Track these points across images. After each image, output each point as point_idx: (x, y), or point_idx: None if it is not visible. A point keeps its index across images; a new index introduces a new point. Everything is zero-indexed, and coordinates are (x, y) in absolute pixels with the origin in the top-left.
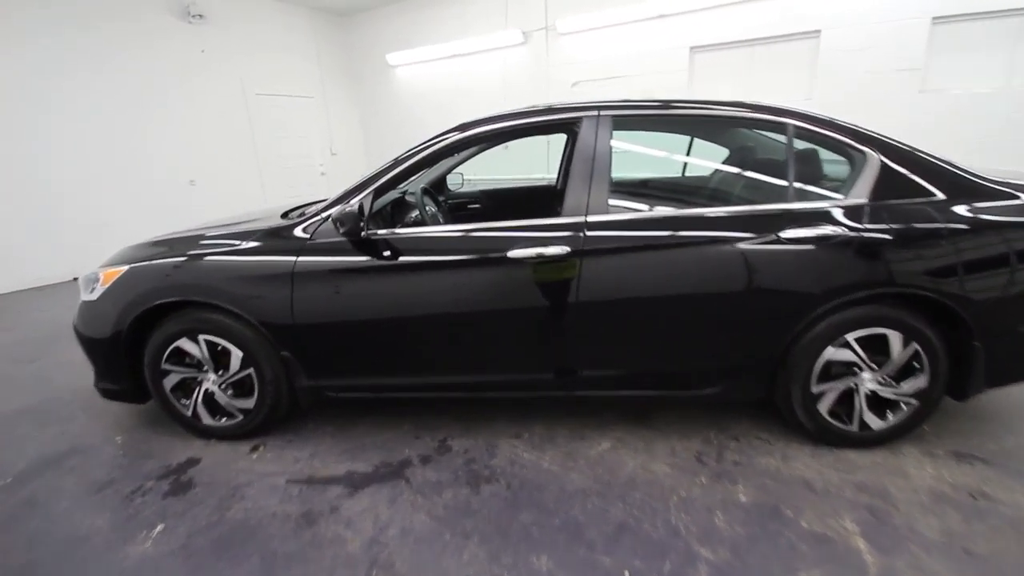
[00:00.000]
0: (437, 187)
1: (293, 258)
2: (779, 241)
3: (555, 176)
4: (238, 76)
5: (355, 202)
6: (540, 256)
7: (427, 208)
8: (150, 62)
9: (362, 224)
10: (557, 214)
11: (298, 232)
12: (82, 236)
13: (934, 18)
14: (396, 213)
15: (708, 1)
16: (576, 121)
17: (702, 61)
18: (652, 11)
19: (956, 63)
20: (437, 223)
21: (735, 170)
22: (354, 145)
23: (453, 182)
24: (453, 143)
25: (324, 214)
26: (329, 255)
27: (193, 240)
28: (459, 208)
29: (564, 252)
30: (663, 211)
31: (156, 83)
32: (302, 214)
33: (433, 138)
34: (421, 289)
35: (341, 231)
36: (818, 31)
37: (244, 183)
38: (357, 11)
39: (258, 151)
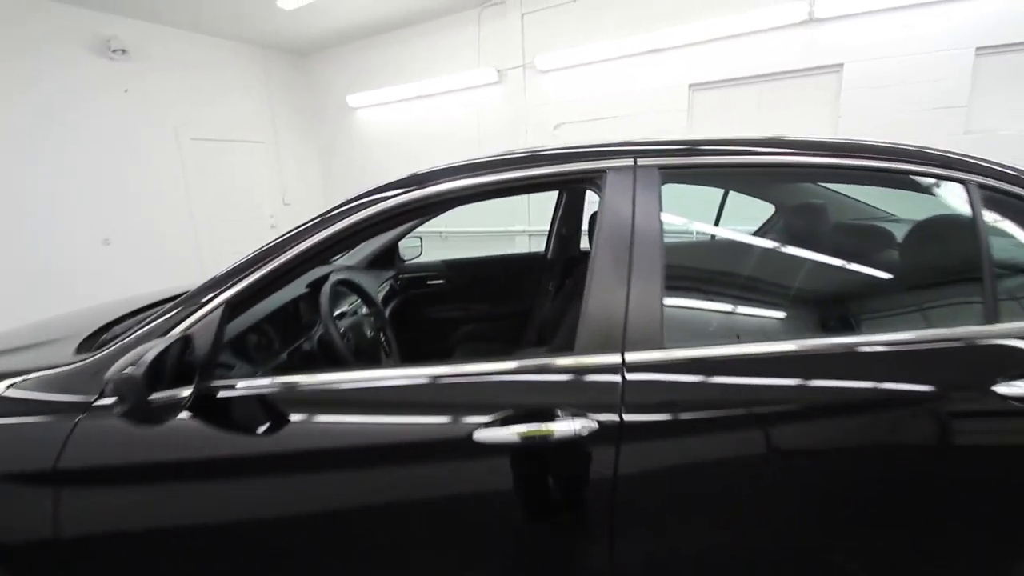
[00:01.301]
0: (384, 258)
1: (64, 429)
2: (996, 405)
3: (545, 236)
4: (169, 118)
5: (172, 337)
6: (535, 437)
7: (338, 321)
8: (59, 103)
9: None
10: (560, 338)
11: (78, 381)
12: None
13: (978, 48)
14: (310, 311)
15: (709, 33)
16: (595, 176)
17: (703, 100)
18: (645, 45)
19: (1008, 99)
20: (364, 341)
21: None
22: (311, 194)
23: (409, 246)
24: (394, 209)
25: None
26: (134, 426)
27: None
28: (414, 285)
29: (586, 430)
30: (771, 340)
31: (65, 127)
32: (137, 329)
33: (359, 200)
34: (307, 497)
35: (118, 410)
36: (840, 65)
37: (174, 240)
38: (313, 50)
39: (192, 203)
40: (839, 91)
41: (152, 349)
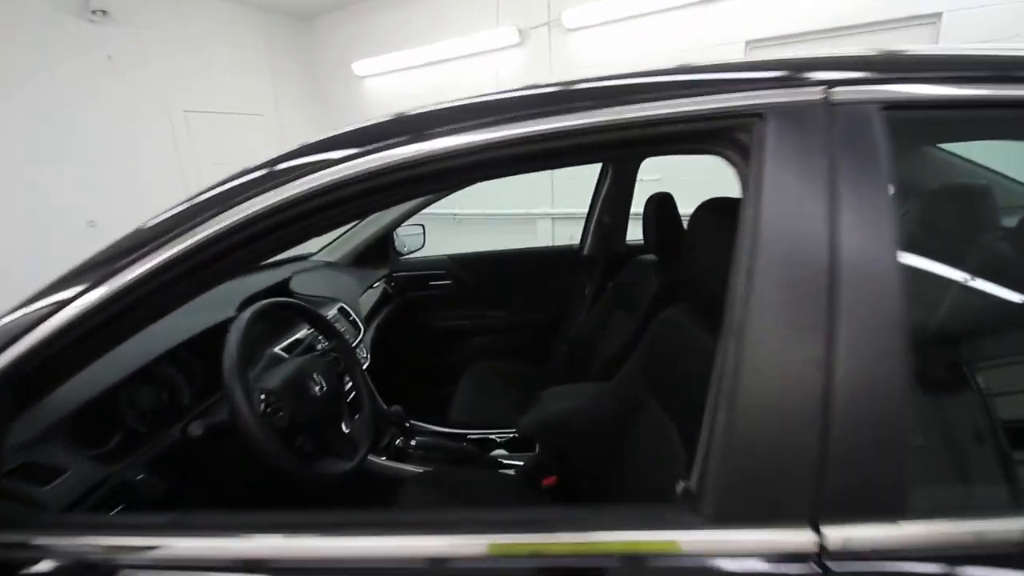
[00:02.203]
0: (375, 252)
1: None
2: None
3: (570, 220)
4: (160, 89)
5: None
6: None
7: (276, 367)
8: (32, 72)
9: None
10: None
11: None
12: None
13: None
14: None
15: None
16: (732, 126)
17: None
18: None
19: None
20: (307, 406)
21: None
22: None
23: (408, 234)
24: (357, 182)
25: None
26: None
27: None
28: (413, 287)
29: None
30: None
31: (43, 98)
32: None
33: (281, 163)
34: None
35: None
36: (937, 15)
37: None
38: (317, 13)
39: (187, 181)
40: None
41: None
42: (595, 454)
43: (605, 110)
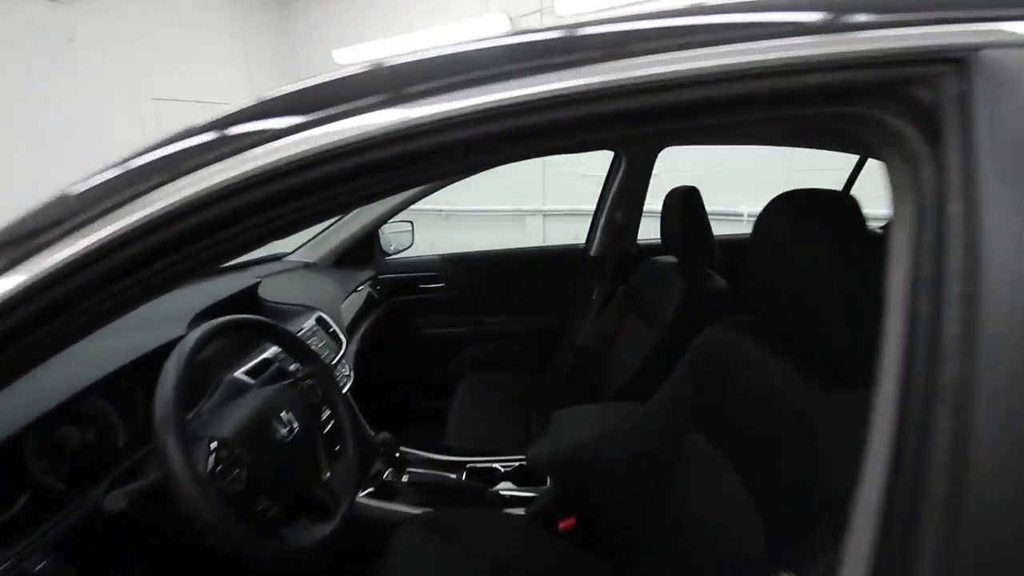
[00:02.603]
0: (359, 252)
1: None
2: None
3: (561, 218)
4: (127, 75)
5: None
6: None
7: (239, 398)
8: None
9: None
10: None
11: None
12: None
13: None
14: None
15: None
16: (911, 75)
17: None
18: None
19: None
20: (269, 452)
21: None
22: None
23: (395, 232)
24: (312, 162)
25: None
26: None
27: None
28: (402, 290)
29: None
30: None
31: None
32: None
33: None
34: None
35: None
36: None
37: None
38: None
39: None
40: None
41: None
42: (624, 495)
43: (720, 56)
